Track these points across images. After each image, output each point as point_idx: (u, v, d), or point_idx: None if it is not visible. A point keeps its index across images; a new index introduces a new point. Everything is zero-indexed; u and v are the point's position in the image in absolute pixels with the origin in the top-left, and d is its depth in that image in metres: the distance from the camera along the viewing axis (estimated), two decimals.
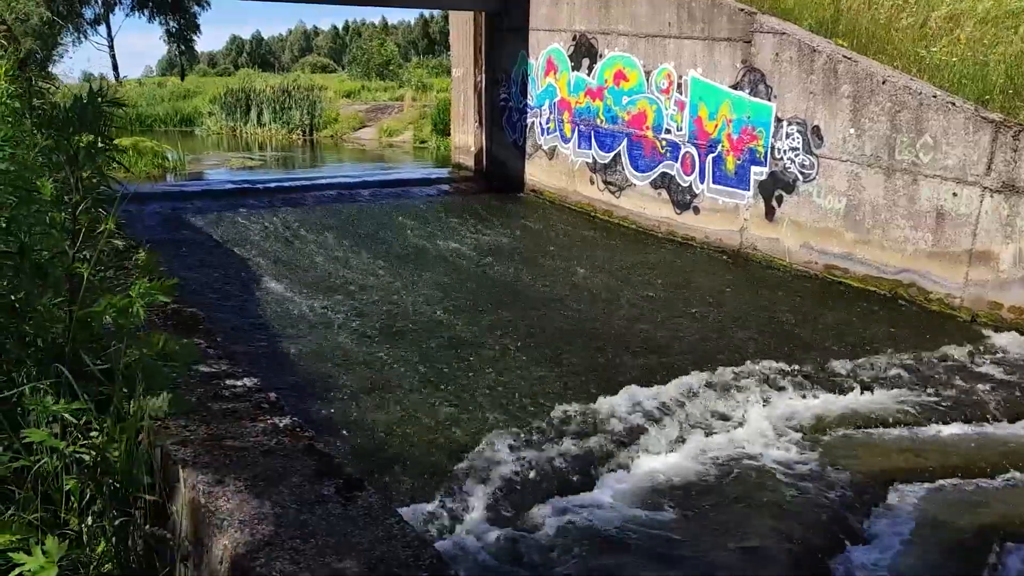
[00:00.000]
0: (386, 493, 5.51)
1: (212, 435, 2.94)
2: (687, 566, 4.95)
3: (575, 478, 5.89)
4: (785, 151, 11.60)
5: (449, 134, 21.35)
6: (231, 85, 36.73)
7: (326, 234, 13.12)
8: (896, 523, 5.72)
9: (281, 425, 3.06)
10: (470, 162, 18.92)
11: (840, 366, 8.33)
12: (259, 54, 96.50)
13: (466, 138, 19.07)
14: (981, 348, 9.07)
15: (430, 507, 5.32)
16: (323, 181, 18.04)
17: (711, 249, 12.90)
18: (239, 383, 3.46)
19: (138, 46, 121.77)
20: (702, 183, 13.03)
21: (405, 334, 8.75)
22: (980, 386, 8.08)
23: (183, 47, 40.42)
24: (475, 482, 5.62)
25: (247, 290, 10.23)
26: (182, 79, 41.70)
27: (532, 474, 5.83)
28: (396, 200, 16.18)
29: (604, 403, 6.99)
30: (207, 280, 10.51)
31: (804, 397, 7.64)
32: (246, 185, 17.47)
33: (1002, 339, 9.27)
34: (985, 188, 9.42)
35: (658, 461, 6.27)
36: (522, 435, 6.36)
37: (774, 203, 11.89)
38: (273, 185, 17.33)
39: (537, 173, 16.90)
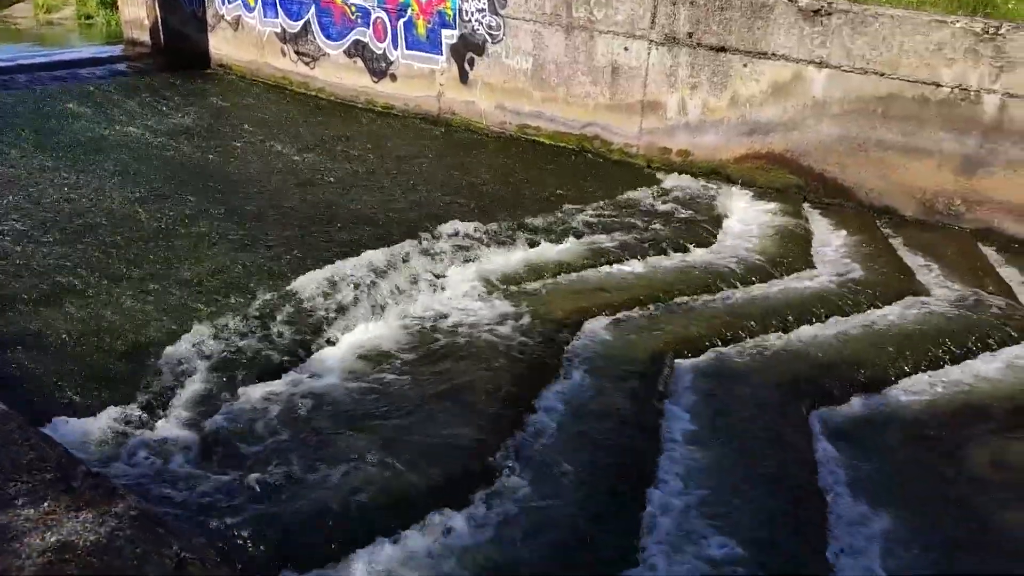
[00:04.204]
0: (73, 403, 5.11)
1: None
2: (396, 423, 5.14)
3: (283, 360, 5.82)
4: (472, 13, 11.67)
5: (118, 7, 19.08)
6: None
7: None
8: (585, 356, 6.29)
9: None
10: (145, 37, 17.13)
11: (536, 220, 8.81)
12: None
13: (137, 10, 17.16)
14: (655, 191, 10.01)
15: (127, 409, 5.02)
16: None
17: (412, 116, 12.89)
18: None
19: None
20: (396, 49, 12.82)
21: (88, 231, 7.95)
22: (656, 224, 8.96)
23: None
24: (175, 378, 5.38)
25: None
26: None
27: (237, 361, 5.67)
28: (63, 84, 14.33)
29: (309, 281, 6.89)
30: None
31: (504, 253, 8.02)
32: None
33: (671, 181, 10.29)
34: (651, 41, 10.15)
35: (366, 331, 6.36)
36: (225, 324, 6.13)
37: (467, 66, 12.03)
38: None
39: (223, 46, 15.70)
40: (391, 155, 11.03)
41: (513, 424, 5.29)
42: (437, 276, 7.35)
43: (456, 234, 8.22)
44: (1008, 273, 8.42)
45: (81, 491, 2.76)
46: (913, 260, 8.62)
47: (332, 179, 9.93)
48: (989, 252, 8.91)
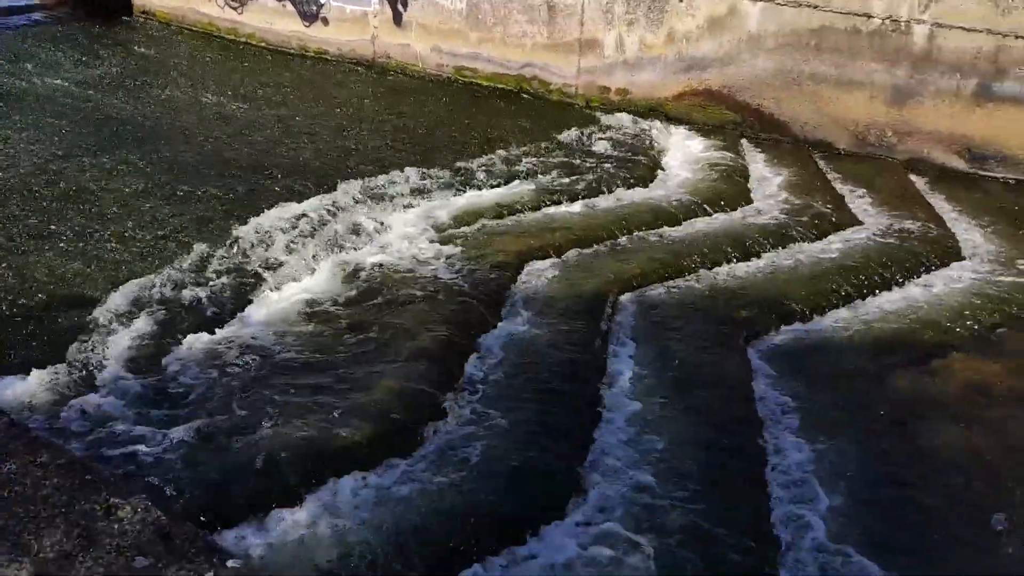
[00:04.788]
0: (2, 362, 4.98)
1: None
2: (337, 371, 5.12)
3: (220, 311, 5.73)
4: None
5: None
6: None
7: None
8: (528, 297, 6.32)
9: None
10: None
11: (476, 163, 8.75)
12: None
13: None
14: (595, 130, 9.99)
15: (57, 367, 4.91)
16: None
17: (346, 61, 12.59)
18: None
19: None
20: None
21: (9, 190, 7.66)
22: (596, 164, 8.97)
23: None
24: (108, 332, 5.27)
25: None
26: None
27: (172, 314, 5.57)
28: None
29: (246, 232, 6.78)
30: None
31: (445, 197, 7.97)
32: None
33: (611, 120, 10.28)
34: None
35: (305, 280, 6.29)
36: (159, 278, 5.99)
37: (400, 7, 11.76)
38: None
39: None
40: (327, 102, 10.79)
41: (457, 367, 5.32)
42: (377, 222, 7.27)
43: (396, 180, 8.13)
44: (936, 201, 8.66)
45: (3, 442, 2.74)
46: (847, 192, 8.80)
47: (267, 128, 9.69)
48: (919, 181, 9.13)
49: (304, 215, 7.17)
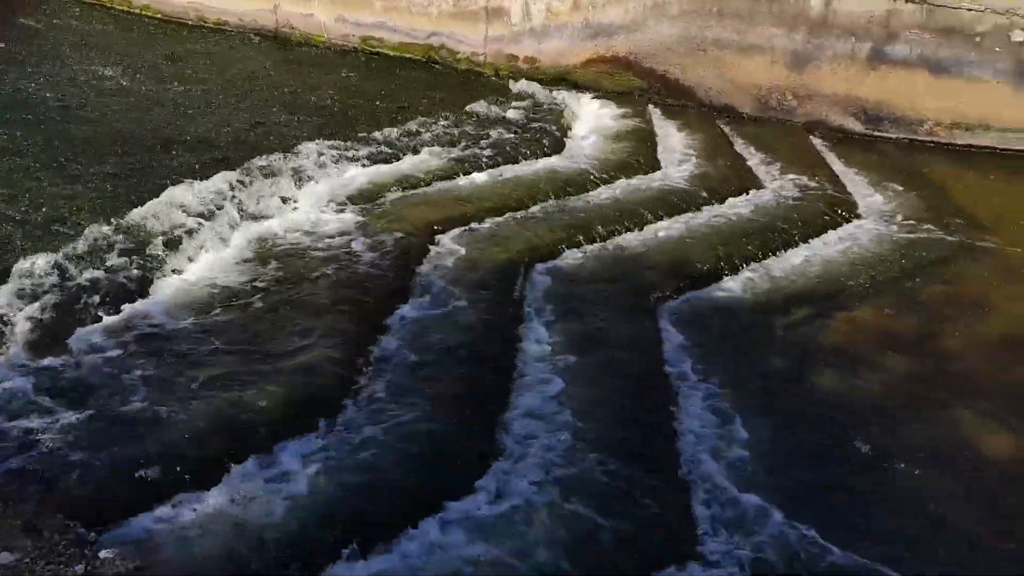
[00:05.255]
0: None
1: None
2: (244, 351, 5.01)
3: (121, 294, 5.52)
4: None
5: None
6: None
7: None
8: (441, 268, 6.31)
9: None
10: None
11: (385, 135, 8.65)
12: None
13: None
14: (504, 99, 9.98)
15: None
16: None
17: (248, 32, 12.24)
18: None
19: None
20: None
21: None
22: (506, 133, 8.98)
23: None
24: (2, 323, 5.03)
25: None
26: None
27: (71, 298, 5.34)
28: None
29: (146, 211, 6.50)
30: None
31: (354, 169, 7.85)
32: None
33: (520, 88, 10.28)
34: None
35: (211, 258, 6.13)
36: (54, 262, 5.73)
37: None
38: None
39: None
40: (228, 75, 10.48)
41: (368, 342, 5.27)
42: (284, 197, 7.12)
43: (302, 153, 7.94)
44: (835, 162, 8.97)
45: None
46: (751, 155, 9.03)
47: (167, 103, 9.36)
48: (818, 143, 9.43)
49: (207, 192, 6.94)
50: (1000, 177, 8.85)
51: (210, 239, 6.35)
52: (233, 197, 6.95)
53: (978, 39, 8.94)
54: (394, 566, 3.62)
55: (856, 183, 8.52)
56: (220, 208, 6.75)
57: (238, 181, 7.18)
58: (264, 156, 7.77)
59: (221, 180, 7.16)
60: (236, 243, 6.39)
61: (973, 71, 9.04)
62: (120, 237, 6.17)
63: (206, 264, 6.09)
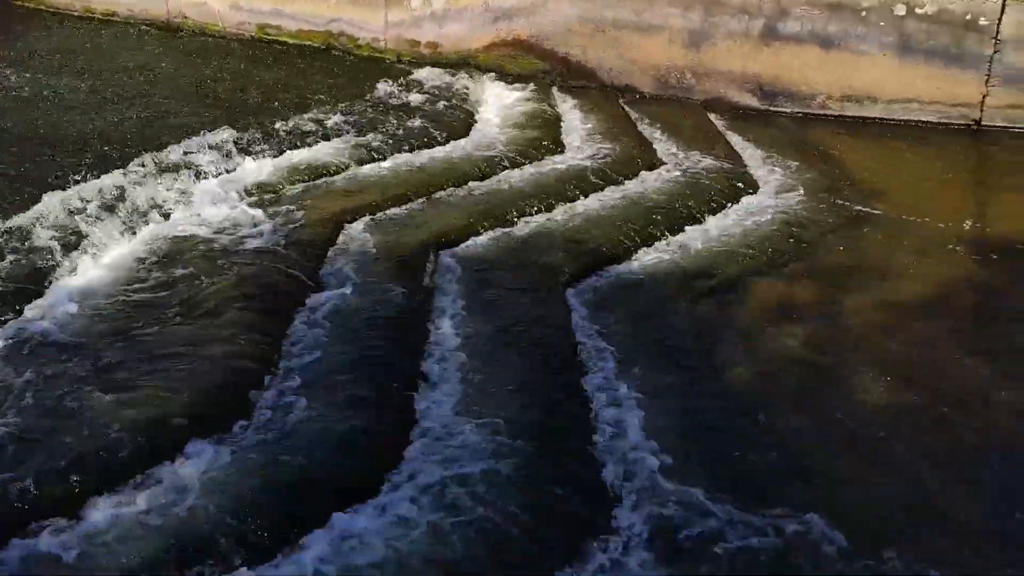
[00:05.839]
0: None
1: None
2: (146, 353, 4.86)
3: (9, 300, 5.28)
4: None
5: None
6: None
7: None
8: (348, 258, 6.24)
9: None
10: None
11: (287, 125, 8.49)
12: None
13: None
14: (407, 85, 9.90)
15: None
16: None
17: (138, 23, 11.80)
18: None
19: None
20: None
21: None
22: (410, 120, 8.91)
23: None
24: None
25: None
26: None
27: None
28: None
29: (34, 213, 6.22)
30: None
31: (255, 161, 7.67)
32: None
33: (423, 74, 10.21)
34: None
35: (108, 259, 5.92)
36: None
37: None
38: None
39: None
40: (119, 67, 10.09)
41: (277, 336, 5.18)
42: (183, 192, 6.92)
43: (201, 146, 7.73)
44: (733, 138, 9.20)
45: None
46: (652, 134, 9.19)
47: (53, 97, 8.97)
48: (717, 120, 9.66)
49: (101, 191, 6.69)
50: (888, 147, 9.23)
51: (106, 239, 6.12)
52: (128, 194, 6.71)
53: (864, 13, 9.28)
54: (305, 563, 3.58)
55: (755, 158, 8.75)
56: (115, 206, 6.52)
57: (133, 177, 6.94)
58: (160, 151, 7.53)
59: (114, 177, 6.92)
60: (134, 242, 6.18)
61: (860, 45, 9.37)
62: (6, 241, 5.90)
63: (104, 263, 5.87)
